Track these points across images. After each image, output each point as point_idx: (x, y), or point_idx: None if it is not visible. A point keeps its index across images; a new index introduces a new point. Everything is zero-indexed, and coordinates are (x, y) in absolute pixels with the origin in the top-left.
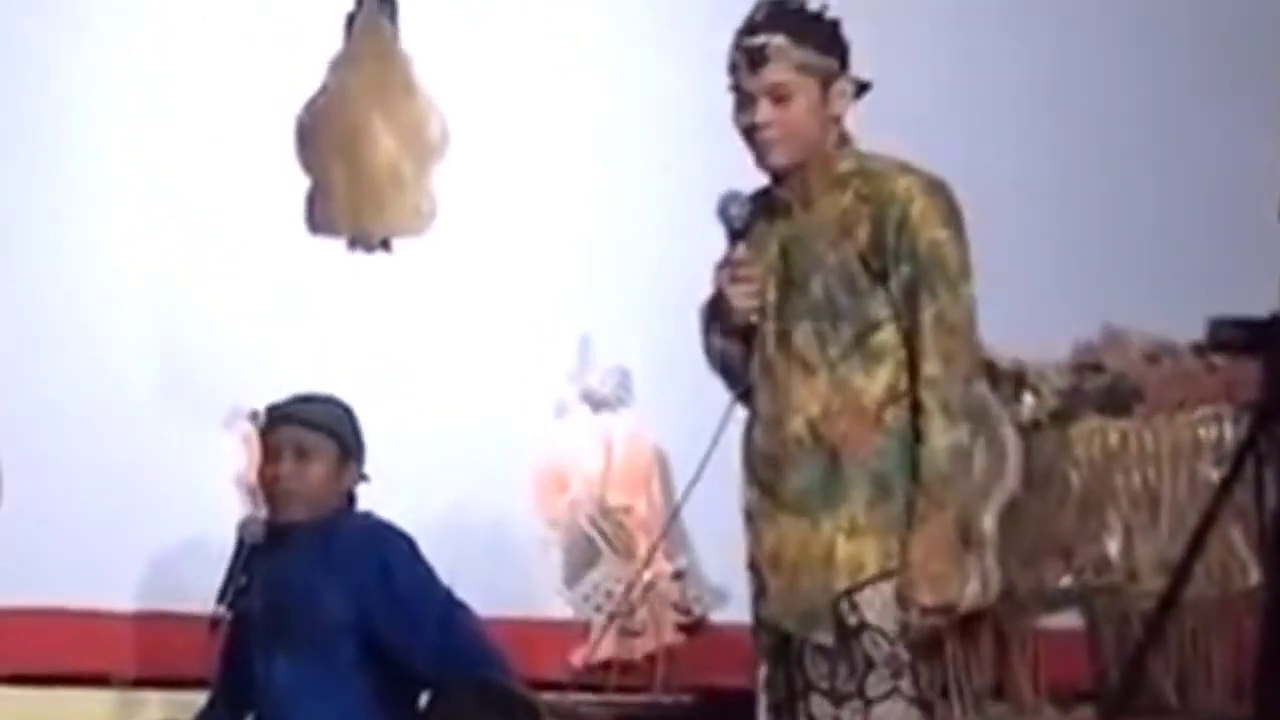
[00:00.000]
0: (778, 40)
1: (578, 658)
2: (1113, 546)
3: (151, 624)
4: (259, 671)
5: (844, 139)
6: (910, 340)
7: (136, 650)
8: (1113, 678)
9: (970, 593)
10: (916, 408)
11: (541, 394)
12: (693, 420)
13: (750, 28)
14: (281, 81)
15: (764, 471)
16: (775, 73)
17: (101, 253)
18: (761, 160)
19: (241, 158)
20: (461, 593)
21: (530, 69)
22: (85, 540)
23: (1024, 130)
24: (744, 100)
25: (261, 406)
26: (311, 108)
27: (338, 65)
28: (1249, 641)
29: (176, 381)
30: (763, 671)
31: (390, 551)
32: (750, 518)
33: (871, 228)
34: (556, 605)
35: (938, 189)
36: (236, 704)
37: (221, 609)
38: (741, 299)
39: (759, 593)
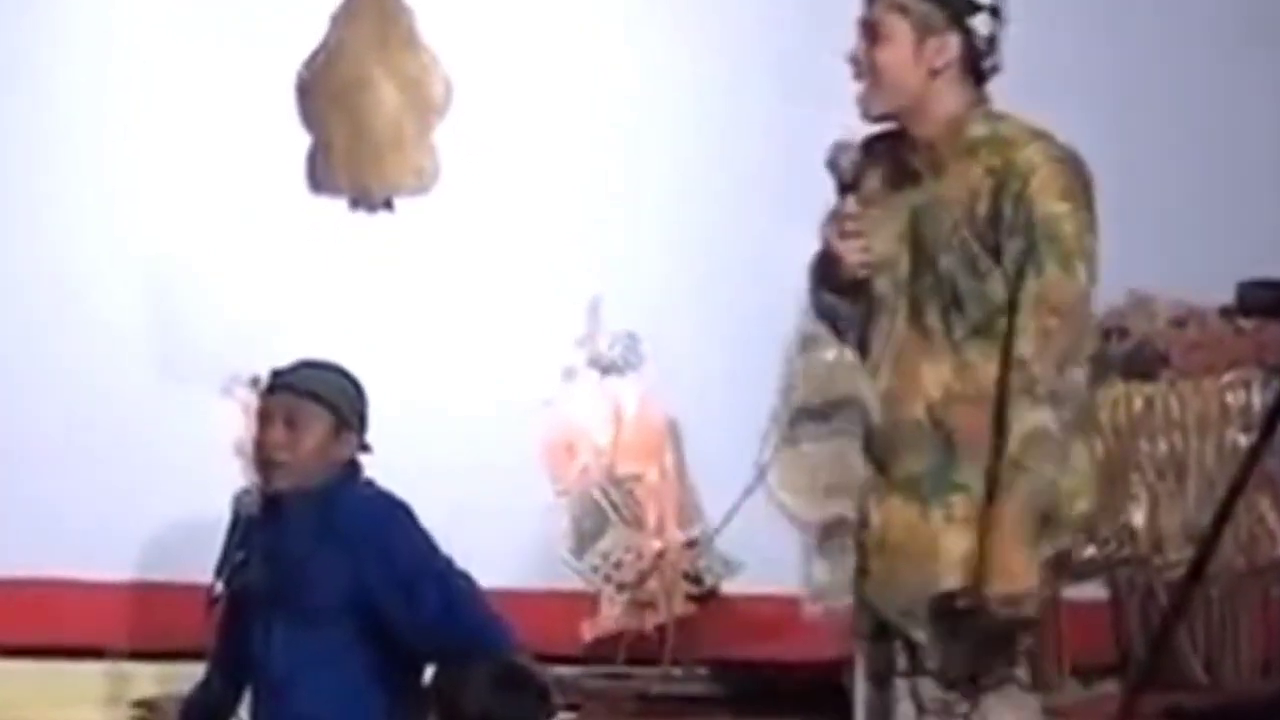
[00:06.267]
0: None
1: (587, 630)
2: (1138, 516)
3: (147, 595)
4: (257, 644)
5: (979, 100)
6: (1010, 317)
7: (132, 621)
8: (1137, 651)
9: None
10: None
11: (549, 358)
12: (702, 386)
13: None
14: (281, 37)
15: (878, 449)
16: (875, 9)
17: (98, 215)
18: (859, 104)
19: (241, 115)
20: (466, 563)
21: (535, 23)
22: (81, 511)
23: (1050, 94)
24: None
25: (261, 372)
26: (312, 64)
27: (338, 20)
28: (1277, 612)
29: (174, 346)
30: (862, 645)
31: (389, 523)
32: (862, 493)
33: (990, 201)
34: (565, 575)
35: (1064, 159)
36: (234, 676)
37: (219, 585)
38: (852, 254)
39: (860, 571)
